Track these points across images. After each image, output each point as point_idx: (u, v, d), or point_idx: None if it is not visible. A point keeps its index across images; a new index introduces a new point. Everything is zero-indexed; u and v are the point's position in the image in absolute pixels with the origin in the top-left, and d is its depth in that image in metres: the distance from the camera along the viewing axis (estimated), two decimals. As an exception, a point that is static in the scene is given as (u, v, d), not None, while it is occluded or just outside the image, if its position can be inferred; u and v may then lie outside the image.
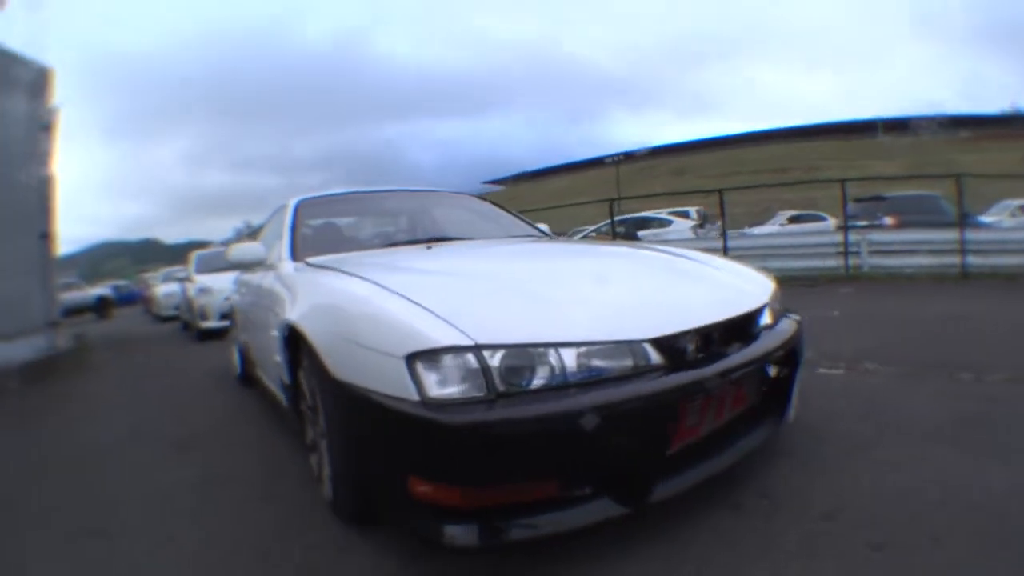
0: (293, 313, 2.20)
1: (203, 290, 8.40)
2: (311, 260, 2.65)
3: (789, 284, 8.86)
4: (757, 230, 14.87)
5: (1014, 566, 1.46)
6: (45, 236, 6.96)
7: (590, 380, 1.54)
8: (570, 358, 1.52)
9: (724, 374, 1.75)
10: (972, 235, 8.87)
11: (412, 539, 1.74)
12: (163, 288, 14.56)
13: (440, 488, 1.48)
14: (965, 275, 8.45)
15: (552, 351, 1.51)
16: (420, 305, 1.61)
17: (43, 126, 6.93)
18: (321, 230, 3.36)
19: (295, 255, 2.82)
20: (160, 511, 2.28)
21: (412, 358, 1.47)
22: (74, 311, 16.66)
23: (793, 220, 15.51)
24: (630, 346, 1.61)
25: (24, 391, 5.30)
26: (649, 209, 16.49)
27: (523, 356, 1.49)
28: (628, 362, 1.60)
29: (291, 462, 2.60)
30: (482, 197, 4.11)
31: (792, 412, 2.17)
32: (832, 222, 12.88)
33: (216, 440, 3.20)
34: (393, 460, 1.60)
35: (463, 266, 2.39)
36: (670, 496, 1.65)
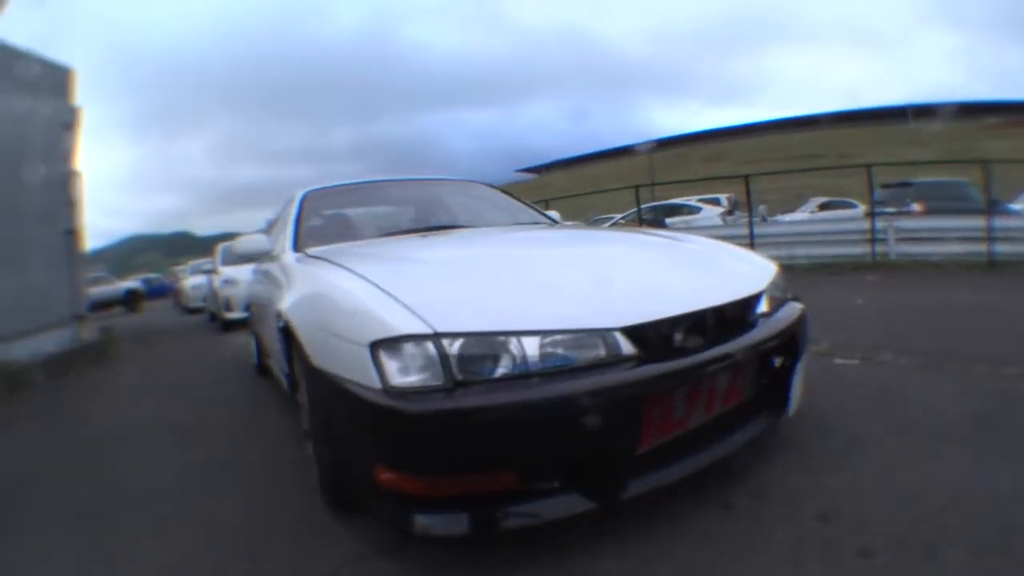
0: (284, 303, 2.25)
1: (228, 281, 8.53)
2: (310, 251, 2.68)
3: (815, 272, 8.85)
4: (788, 217, 14.61)
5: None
6: (70, 232, 7.14)
7: (555, 370, 1.50)
8: (532, 347, 1.49)
9: (706, 365, 1.68)
10: (1000, 222, 8.56)
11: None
12: (191, 280, 14.81)
13: (403, 477, 1.47)
14: (992, 263, 8.15)
15: (514, 340, 1.48)
16: (388, 293, 1.62)
17: (66, 125, 7.08)
18: (325, 221, 3.39)
19: (297, 246, 2.86)
20: (154, 495, 2.37)
21: (375, 346, 1.47)
22: (103, 305, 17.07)
23: (823, 207, 15.16)
24: (601, 335, 1.57)
25: (47, 384, 5.43)
26: (682, 196, 16.26)
27: (484, 344, 1.47)
28: (598, 352, 1.56)
29: (291, 449, 2.62)
30: (499, 188, 4.05)
31: (793, 406, 2.04)
32: (861, 209, 12.60)
33: (224, 428, 3.30)
34: (362, 448, 1.61)
35: (449, 254, 2.38)
36: (645, 492, 1.61)
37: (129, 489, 2.49)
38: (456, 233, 2.94)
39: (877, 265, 8.95)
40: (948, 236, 8.77)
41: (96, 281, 17.90)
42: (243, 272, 7.77)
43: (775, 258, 8.51)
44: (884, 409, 2.54)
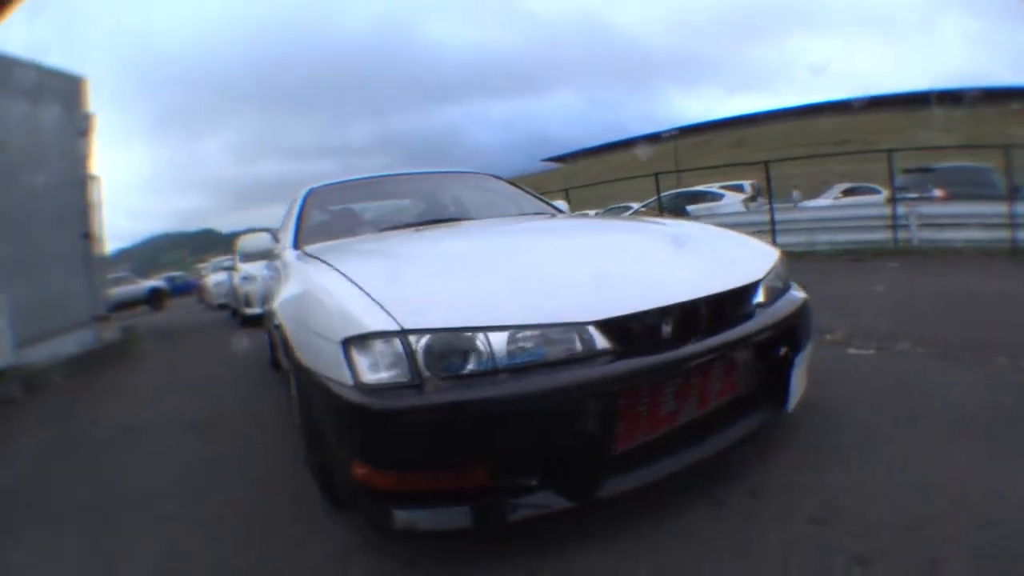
0: (277, 300, 2.28)
1: (246, 278, 8.59)
2: (308, 248, 2.67)
3: (836, 258, 8.70)
4: (811, 203, 14.36)
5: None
6: (87, 235, 7.27)
7: (525, 365, 1.48)
8: (500, 342, 1.47)
9: (689, 359, 1.62)
10: (1023, 208, 8.32)
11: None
12: (213, 277, 15.00)
13: (376, 472, 1.48)
14: (1015, 250, 7.91)
15: (481, 335, 1.46)
16: (364, 291, 1.61)
17: (80, 131, 7.24)
18: (327, 217, 3.39)
19: (297, 243, 2.86)
20: (157, 493, 2.41)
21: (347, 343, 1.48)
22: (127, 304, 17.39)
23: (848, 193, 14.87)
24: (574, 329, 1.53)
25: (66, 384, 5.53)
26: (705, 183, 16.07)
27: (451, 340, 1.46)
28: (570, 347, 1.53)
29: (293, 446, 2.63)
30: (511, 179, 3.99)
31: (793, 401, 1.94)
32: (885, 195, 12.38)
33: (236, 425, 3.34)
34: (341, 444, 1.61)
35: (435, 249, 2.34)
36: (626, 491, 1.57)
37: (132, 487, 2.54)
38: (450, 227, 2.90)
39: (899, 251, 8.76)
40: (970, 222, 8.54)
41: (119, 281, 18.30)
42: (260, 268, 7.85)
43: (796, 245, 8.42)
44: (897, 402, 2.43)
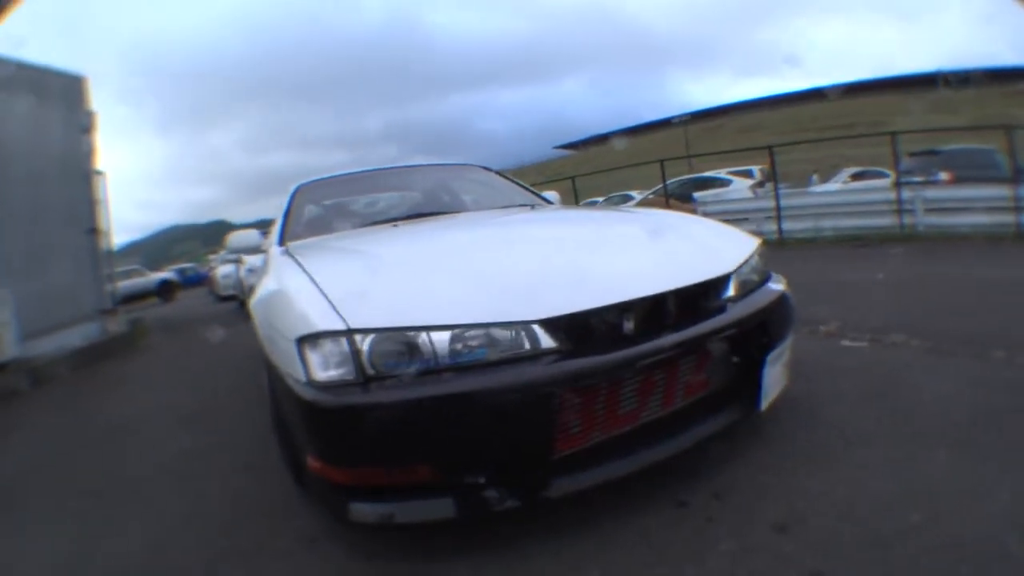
0: (253, 298, 2.33)
1: (252, 270, 8.61)
2: (290, 245, 2.68)
3: (841, 244, 8.60)
4: (819, 188, 14.18)
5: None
6: (93, 230, 7.39)
7: (468, 364, 1.50)
8: (443, 342, 1.49)
9: (641, 358, 1.60)
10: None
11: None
12: (222, 269, 15.02)
13: (327, 466, 1.53)
14: (1021, 235, 7.70)
15: (424, 334, 1.49)
16: (321, 290, 1.64)
17: (83, 128, 7.36)
18: (313, 213, 3.41)
19: (282, 239, 2.87)
20: (146, 479, 2.57)
21: (301, 341, 1.52)
22: (136, 296, 17.60)
23: (856, 177, 14.67)
24: (519, 328, 1.54)
25: (70, 376, 5.65)
26: (714, 169, 15.89)
27: (394, 340, 1.49)
28: (514, 346, 1.53)
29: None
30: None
31: (766, 401, 1.89)
32: (891, 179, 12.19)
33: (228, 415, 3.41)
34: (298, 438, 1.68)
35: (400, 246, 2.33)
36: (576, 491, 1.57)
37: (124, 473, 2.69)
38: (426, 222, 2.89)
39: (905, 237, 8.59)
40: (976, 206, 8.33)
41: (130, 274, 18.54)
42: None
43: (802, 231, 8.29)
44: (883, 400, 2.35)
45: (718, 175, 14.84)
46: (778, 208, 9.78)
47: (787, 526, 1.54)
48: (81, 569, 1.89)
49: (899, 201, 8.92)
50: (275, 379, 1.81)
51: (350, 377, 1.46)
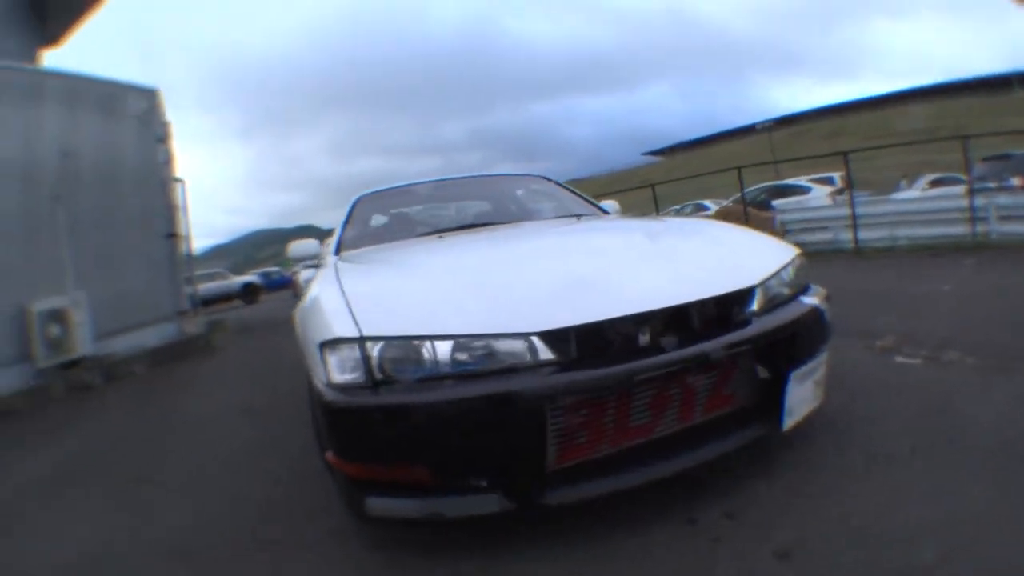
0: (299, 304, 2.43)
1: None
2: (344, 254, 2.81)
3: (915, 254, 8.10)
4: (900, 195, 13.45)
5: None
6: (171, 235, 7.81)
7: (468, 373, 1.57)
8: (444, 351, 1.57)
9: (644, 372, 1.58)
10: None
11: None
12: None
13: (339, 461, 1.66)
14: None
15: (428, 344, 1.57)
16: (347, 299, 1.75)
17: (159, 138, 7.79)
18: (370, 224, 3.51)
19: (339, 249, 2.99)
20: (199, 469, 2.84)
21: (323, 346, 1.65)
22: (219, 299, 18.50)
23: (935, 183, 13.84)
24: (521, 339, 1.58)
25: (146, 374, 6.04)
26: (799, 176, 15.33)
27: (401, 348, 1.58)
28: (516, 357, 1.58)
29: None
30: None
31: (791, 419, 1.80)
32: (965, 185, 11.42)
33: (288, 413, 3.53)
34: (322, 435, 1.82)
35: (438, 257, 2.38)
36: (583, 500, 1.61)
37: (181, 463, 2.97)
38: (468, 234, 2.93)
39: (977, 246, 7.94)
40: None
41: (213, 277, 19.54)
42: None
43: (878, 240, 7.81)
44: (925, 422, 2.18)
45: (798, 183, 14.30)
46: (853, 216, 9.32)
47: (790, 553, 1.47)
48: (134, 537, 2.18)
49: (972, 208, 8.32)
50: (308, 381, 1.92)
51: (362, 381, 1.58)
